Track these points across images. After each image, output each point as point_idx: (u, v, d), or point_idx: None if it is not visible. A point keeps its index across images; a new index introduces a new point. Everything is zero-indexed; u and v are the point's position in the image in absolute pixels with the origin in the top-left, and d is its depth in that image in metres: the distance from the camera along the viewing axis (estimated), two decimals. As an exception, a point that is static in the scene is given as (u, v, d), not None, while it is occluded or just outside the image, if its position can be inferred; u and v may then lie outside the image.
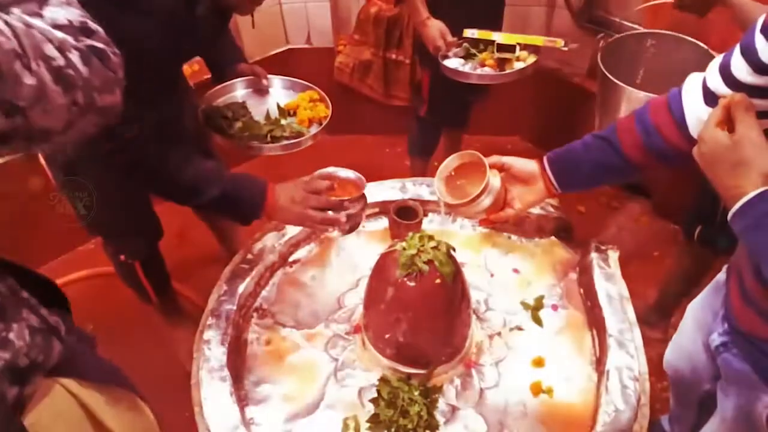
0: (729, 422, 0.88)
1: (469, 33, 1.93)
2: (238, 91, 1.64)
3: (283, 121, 1.55)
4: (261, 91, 1.64)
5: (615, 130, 0.93)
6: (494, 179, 0.95)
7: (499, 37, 1.90)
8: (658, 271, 2.04)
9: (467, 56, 1.92)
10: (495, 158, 1.00)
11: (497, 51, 1.84)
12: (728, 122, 0.70)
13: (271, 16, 2.59)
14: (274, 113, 1.57)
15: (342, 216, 1.14)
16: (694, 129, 0.83)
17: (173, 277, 1.79)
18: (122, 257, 1.58)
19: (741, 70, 0.73)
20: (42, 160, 1.40)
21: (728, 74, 0.76)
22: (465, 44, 1.94)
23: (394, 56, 2.63)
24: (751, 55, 0.71)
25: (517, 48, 1.87)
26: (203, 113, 1.50)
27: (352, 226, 1.19)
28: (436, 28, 1.83)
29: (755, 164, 0.65)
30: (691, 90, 0.84)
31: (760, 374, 0.81)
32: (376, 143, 2.81)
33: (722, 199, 0.69)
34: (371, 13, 2.58)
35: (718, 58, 0.79)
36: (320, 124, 1.55)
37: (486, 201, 0.94)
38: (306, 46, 2.77)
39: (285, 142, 1.46)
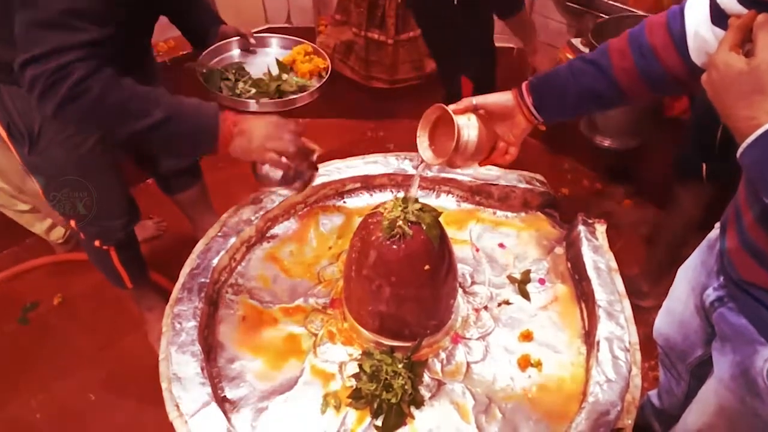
0: (726, 381, 0.83)
1: None
2: (232, 51, 1.61)
3: (284, 76, 1.54)
4: (250, 50, 1.62)
5: (606, 52, 0.84)
6: (464, 120, 0.89)
7: None
8: (642, 252, 2.03)
9: None
10: (465, 101, 0.92)
11: None
12: (744, 46, 0.62)
13: (250, -6, 2.52)
14: (274, 70, 1.55)
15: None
16: (694, 51, 0.76)
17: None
18: (96, 242, 1.46)
19: None
20: (4, 135, 1.29)
21: None
22: None
23: (376, 36, 2.57)
24: None
25: None
26: (203, 77, 1.47)
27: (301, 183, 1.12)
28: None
29: None
30: (695, 6, 0.75)
31: (758, 326, 0.77)
32: (357, 127, 2.74)
33: (732, 132, 0.62)
34: (352, -9, 2.52)
35: None
36: (320, 75, 1.55)
37: (471, 137, 0.88)
38: (286, 25, 2.71)
39: (292, 96, 1.47)
